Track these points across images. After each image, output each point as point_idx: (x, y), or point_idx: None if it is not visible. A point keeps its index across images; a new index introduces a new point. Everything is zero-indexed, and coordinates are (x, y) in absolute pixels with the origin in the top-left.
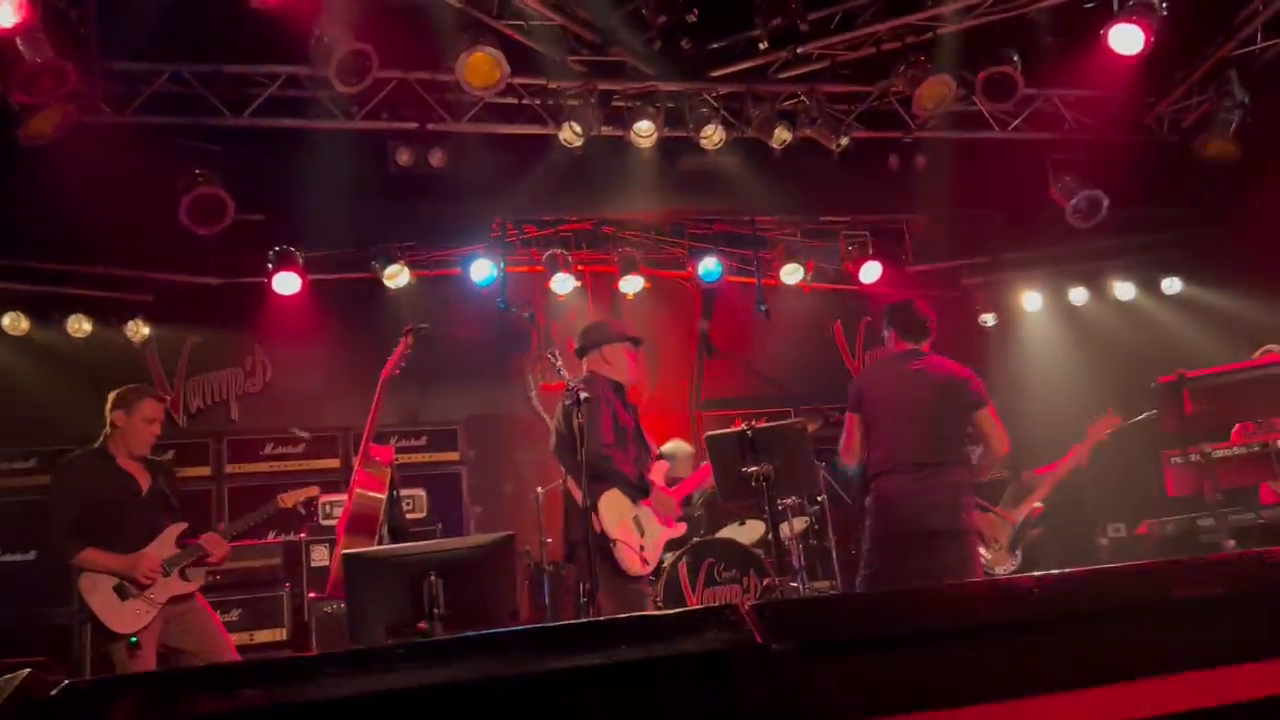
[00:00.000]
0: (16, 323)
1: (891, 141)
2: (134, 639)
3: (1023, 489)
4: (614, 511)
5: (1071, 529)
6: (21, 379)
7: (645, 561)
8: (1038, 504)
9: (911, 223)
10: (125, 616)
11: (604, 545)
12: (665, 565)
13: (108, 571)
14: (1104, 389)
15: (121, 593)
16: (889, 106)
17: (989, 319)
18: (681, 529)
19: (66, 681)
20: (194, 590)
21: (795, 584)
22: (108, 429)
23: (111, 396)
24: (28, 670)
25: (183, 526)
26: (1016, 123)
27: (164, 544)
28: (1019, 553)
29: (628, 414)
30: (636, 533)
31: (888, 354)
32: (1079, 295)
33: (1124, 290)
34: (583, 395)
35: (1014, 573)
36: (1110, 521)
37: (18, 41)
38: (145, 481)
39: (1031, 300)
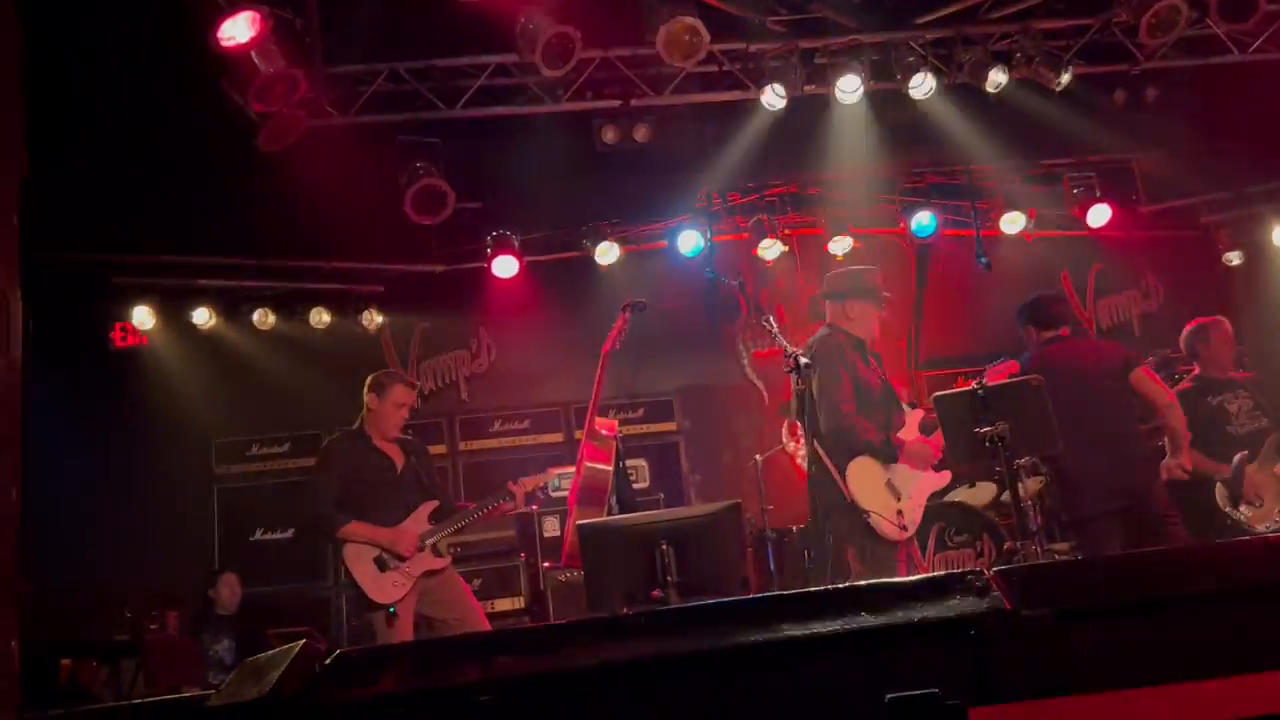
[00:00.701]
0: (265, 318)
1: (1117, 75)
2: (392, 609)
3: None
4: (864, 481)
5: None
6: (271, 370)
7: (903, 527)
8: None
9: (1142, 161)
10: (385, 587)
11: (858, 515)
12: None
13: (371, 543)
14: None
15: (381, 565)
16: (1112, 38)
17: (1234, 258)
18: (945, 478)
19: (339, 651)
20: (446, 564)
21: (1034, 547)
22: (363, 412)
23: (367, 381)
24: (303, 641)
25: (435, 504)
26: (1259, 43)
27: (419, 519)
28: None
29: (869, 371)
30: (892, 498)
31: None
32: None
33: None
34: (803, 361)
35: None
36: None
37: (252, 54)
38: (400, 460)
39: None
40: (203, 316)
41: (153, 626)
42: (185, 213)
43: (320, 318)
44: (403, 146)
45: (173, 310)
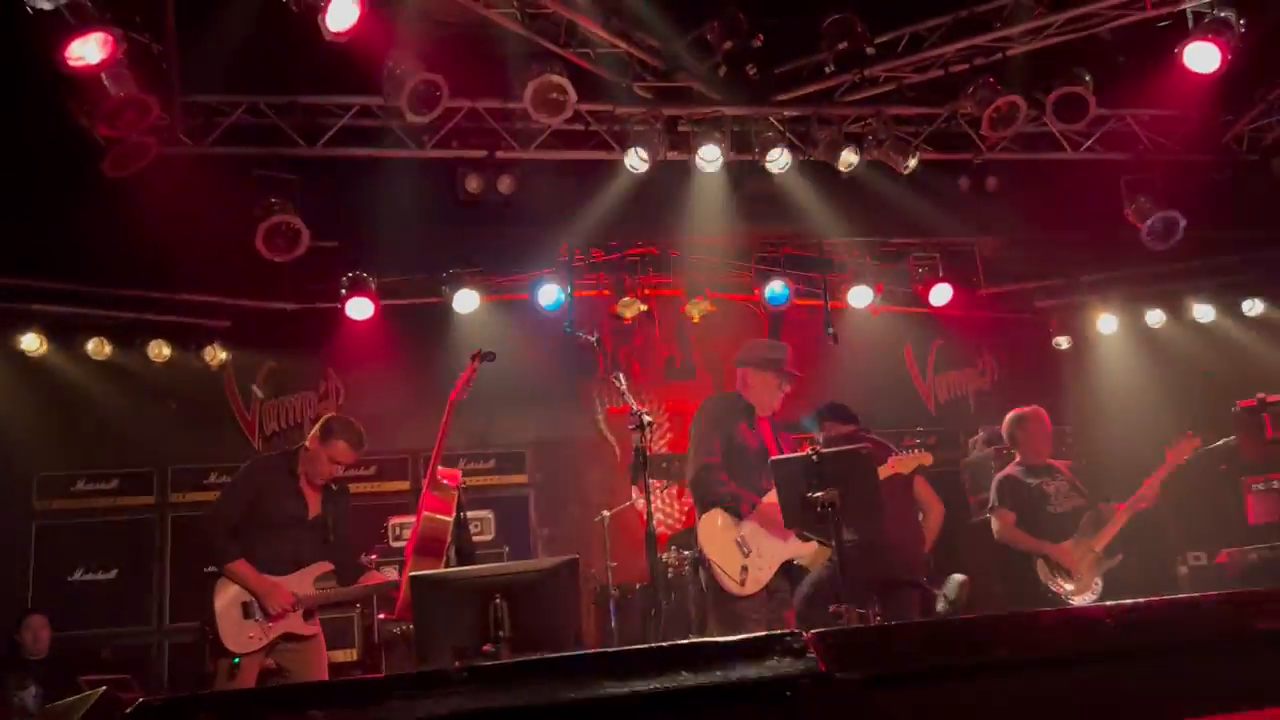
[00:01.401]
0: (100, 348)
1: (961, 163)
2: (237, 659)
3: (1101, 518)
4: (710, 531)
5: (1151, 557)
6: (104, 403)
7: (742, 582)
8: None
9: (983, 245)
10: (241, 637)
11: (705, 564)
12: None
13: (247, 588)
14: (1182, 413)
15: (246, 611)
16: (958, 128)
17: (1063, 342)
18: (806, 547)
19: (140, 700)
20: (314, 633)
21: (862, 611)
22: (302, 443)
23: (324, 419)
24: (103, 689)
25: (327, 567)
26: (1089, 143)
27: (304, 578)
28: (1099, 582)
29: (749, 435)
30: (739, 553)
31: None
32: (1156, 317)
33: (1203, 312)
34: (646, 420)
35: (1094, 603)
36: (1191, 549)
37: (102, 76)
38: (315, 509)
39: (1107, 323)
40: (32, 342)
41: None
42: (19, 234)
43: (160, 351)
44: (258, 181)
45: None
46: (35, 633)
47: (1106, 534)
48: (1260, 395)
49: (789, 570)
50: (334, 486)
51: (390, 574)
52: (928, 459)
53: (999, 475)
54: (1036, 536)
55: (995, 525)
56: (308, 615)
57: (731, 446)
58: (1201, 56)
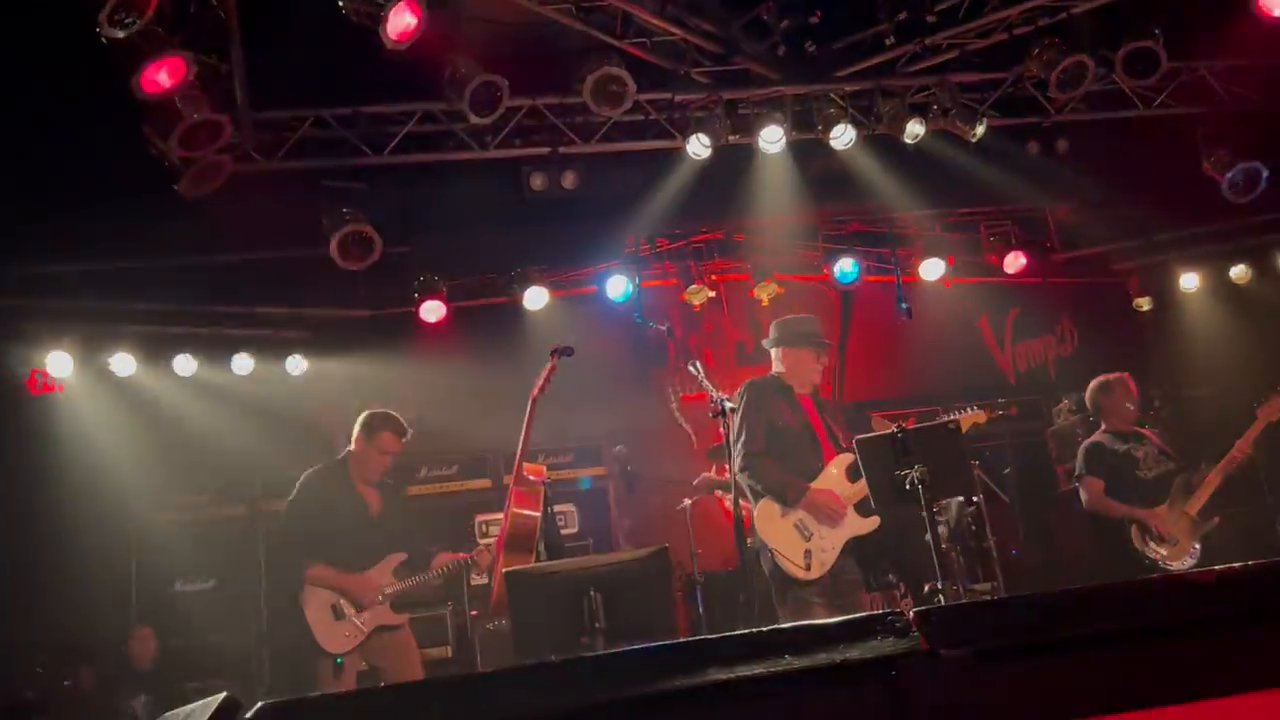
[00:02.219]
0: (186, 364)
1: (1030, 127)
2: (340, 659)
3: (1193, 481)
4: (770, 521)
5: (1250, 518)
6: (193, 417)
7: (808, 567)
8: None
9: (1056, 209)
10: (336, 637)
11: (768, 553)
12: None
13: (332, 588)
14: (1273, 369)
15: (336, 612)
16: (1025, 92)
17: (1145, 303)
18: (870, 523)
19: (260, 704)
20: (402, 622)
21: (956, 587)
22: (350, 447)
23: (361, 417)
24: (224, 694)
25: (402, 556)
26: (1162, 98)
27: (383, 570)
28: (1197, 546)
29: (791, 416)
30: (799, 537)
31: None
32: (1240, 272)
33: None
34: (728, 406)
35: (1193, 568)
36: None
37: (175, 100)
38: (376, 505)
39: (1189, 281)
40: (122, 362)
41: (66, 683)
42: (103, 257)
43: (243, 364)
44: (328, 192)
45: (91, 356)
46: (142, 643)
47: (1200, 497)
48: None
49: (853, 550)
50: (389, 481)
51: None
52: (981, 417)
53: (1086, 443)
54: (1127, 503)
55: (1084, 494)
56: (395, 606)
57: (774, 430)
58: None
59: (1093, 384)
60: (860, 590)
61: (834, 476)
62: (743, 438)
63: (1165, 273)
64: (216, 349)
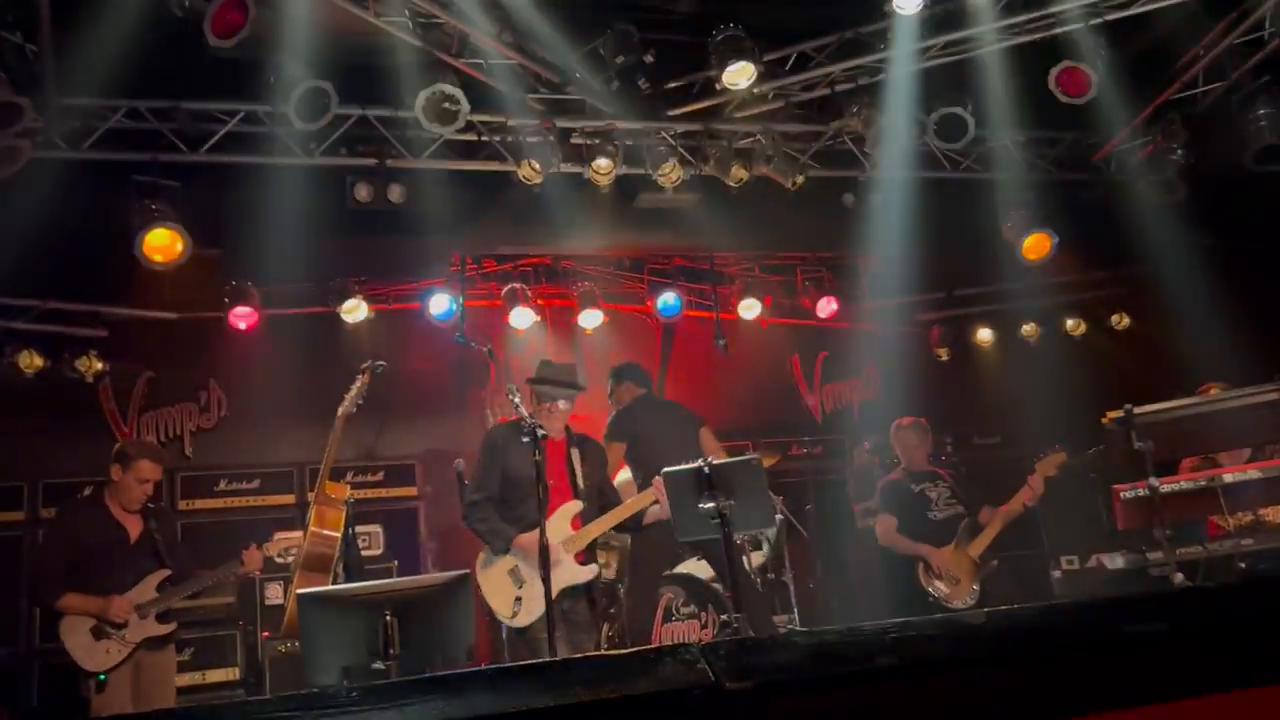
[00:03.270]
0: None
1: (847, 180)
2: (102, 677)
3: (977, 525)
4: (481, 566)
5: (1027, 561)
6: None
7: (514, 615)
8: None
9: (867, 259)
10: (97, 655)
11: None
12: (621, 601)
13: (85, 614)
14: (1057, 423)
15: (97, 633)
16: (844, 145)
17: (944, 353)
18: (587, 571)
19: None
20: (169, 631)
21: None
22: (107, 478)
23: (119, 444)
24: None
25: (165, 573)
26: (968, 163)
27: (144, 589)
28: (977, 587)
29: (528, 462)
30: (512, 584)
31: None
32: (1031, 330)
33: (1075, 325)
34: (540, 433)
35: (970, 608)
36: (1065, 554)
37: None
38: (135, 530)
39: (985, 335)
40: None
41: None
42: None
43: (31, 361)
44: (138, 187)
45: None
46: None
47: (982, 541)
48: (1128, 406)
49: (582, 593)
50: (151, 505)
51: (274, 590)
52: (771, 460)
53: (883, 481)
54: (916, 540)
55: (878, 529)
56: (161, 619)
57: (506, 478)
58: (1071, 81)
59: (894, 425)
60: (593, 630)
61: (556, 524)
62: (474, 482)
63: (964, 326)
64: (3, 344)
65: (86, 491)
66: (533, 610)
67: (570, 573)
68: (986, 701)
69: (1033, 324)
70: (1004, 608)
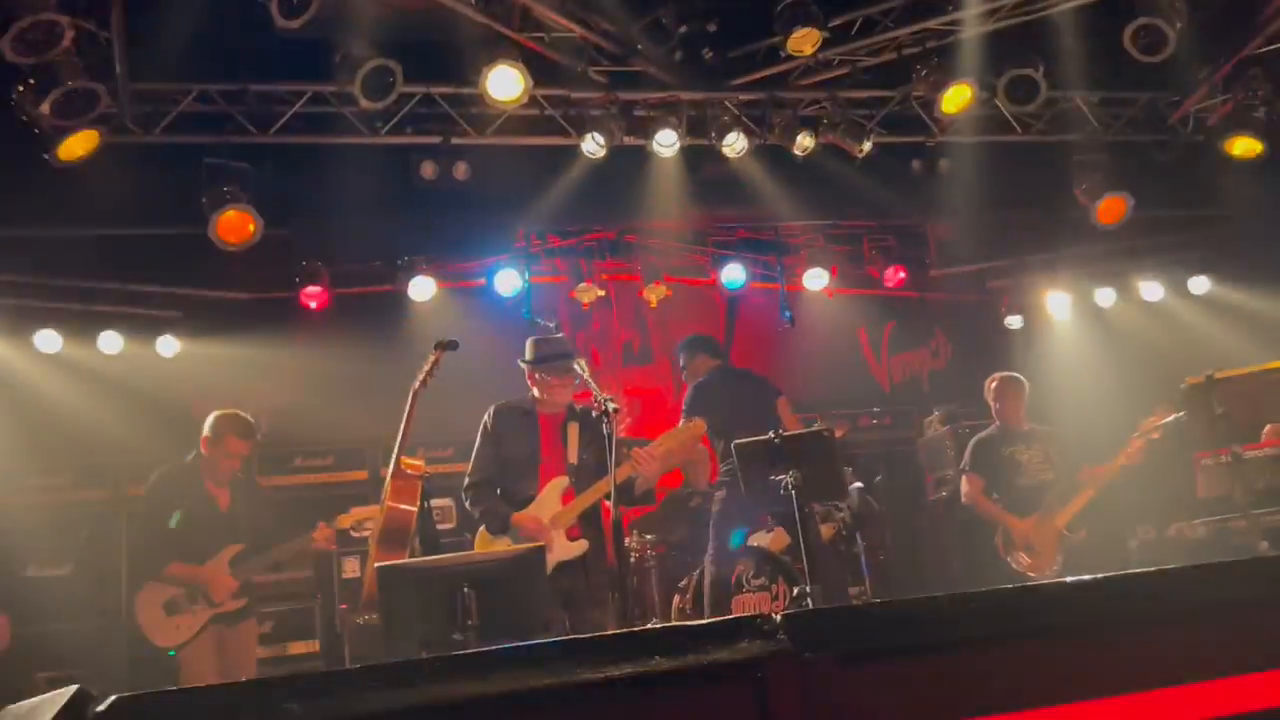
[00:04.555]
0: (50, 340)
1: (915, 146)
2: (172, 652)
3: (1068, 492)
4: (482, 546)
5: (1103, 533)
6: (52, 396)
7: None
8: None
9: (935, 226)
10: (168, 631)
11: None
12: (693, 572)
13: (183, 583)
14: (1133, 390)
15: (170, 608)
16: (911, 111)
17: (1015, 321)
18: (578, 546)
19: (114, 697)
20: (240, 606)
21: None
22: (198, 448)
23: (209, 418)
24: (76, 686)
25: (238, 548)
26: (1039, 125)
27: (220, 562)
28: (1060, 558)
29: (524, 440)
30: None
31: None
32: (1106, 296)
33: (1151, 291)
34: (611, 407)
35: (1055, 577)
36: (1140, 524)
37: (50, 64)
38: (224, 501)
39: (1058, 302)
40: None
41: None
42: None
43: (111, 342)
44: (209, 169)
45: None
46: None
47: (1070, 510)
48: (1208, 372)
49: (578, 568)
50: (240, 477)
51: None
52: (839, 432)
53: (977, 436)
54: (1003, 506)
55: (964, 488)
56: (236, 594)
57: (500, 457)
58: (1147, 40)
59: (989, 381)
60: (598, 606)
61: (546, 500)
62: (471, 465)
63: (1036, 294)
64: (84, 326)
65: (188, 457)
66: None
67: (562, 549)
68: (1066, 670)
69: (1109, 289)
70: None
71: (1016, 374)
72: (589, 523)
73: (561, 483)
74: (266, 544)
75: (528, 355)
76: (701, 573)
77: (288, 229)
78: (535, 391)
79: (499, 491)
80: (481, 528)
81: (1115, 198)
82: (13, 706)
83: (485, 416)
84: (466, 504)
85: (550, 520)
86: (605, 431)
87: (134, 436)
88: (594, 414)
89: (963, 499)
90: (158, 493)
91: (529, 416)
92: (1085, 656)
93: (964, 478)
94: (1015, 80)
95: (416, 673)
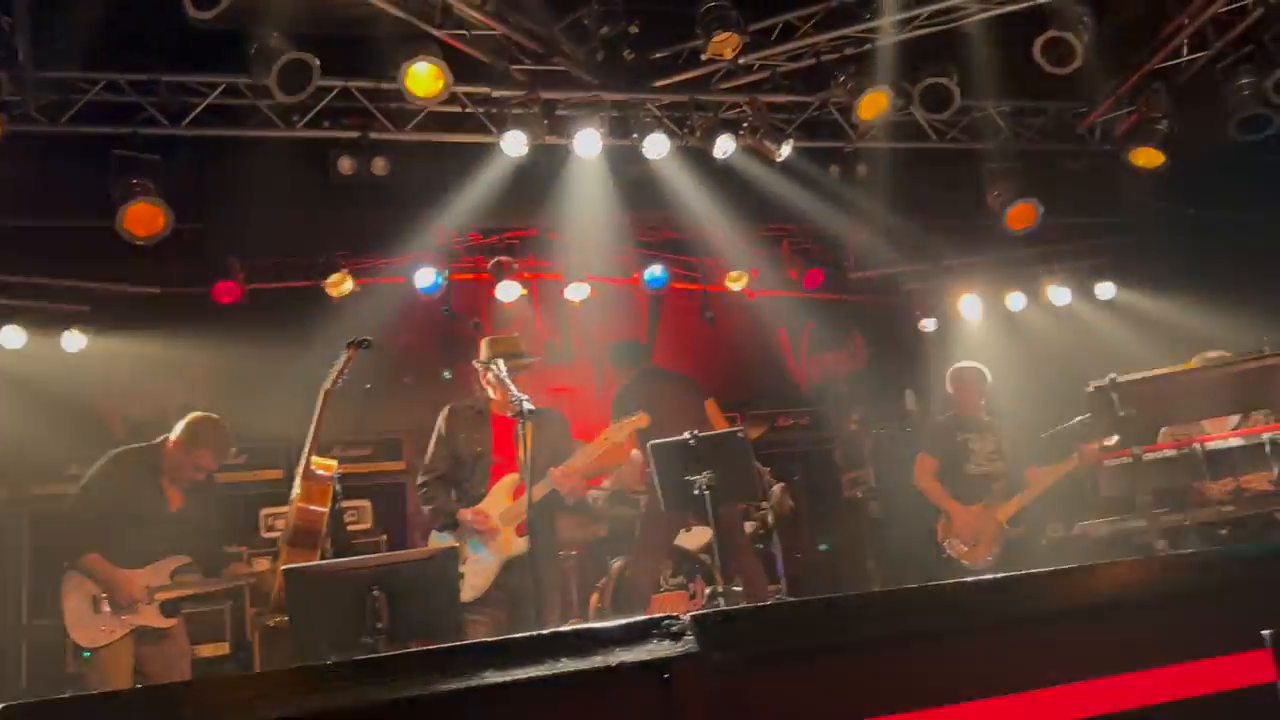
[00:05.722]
0: None
1: (833, 150)
2: (87, 654)
3: (1014, 487)
4: (436, 544)
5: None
6: None
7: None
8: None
9: (853, 230)
10: (89, 629)
11: None
12: (611, 570)
13: (98, 581)
14: (1041, 392)
15: (95, 605)
16: (830, 116)
17: (929, 324)
18: (521, 544)
19: (3, 705)
20: (170, 627)
21: (739, 589)
22: (169, 438)
23: (186, 419)
24: None
25: (183, 560)
26: (953, 133)
27: (159, 571)
28: (997, 550)
29: (475, 440)
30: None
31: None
32: (1017, 301)
33: (1059, 295)
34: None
35: (990, 568)
36: (1050, 522)
37: None
38: (176, 504)
39: (970, 306)
40: None
41: None
42: None
43: (14, 336)
44: (118, 161)
45: None
46: None
47: (1014, 504)
48: (1111, 375)
49: (525, 565)
50: (198, 480)
51: (262, 564)
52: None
53: (932, 421)
54: (950, 491)
55: (916, 468)
56: (166, 610)
57: (455, 455)
58: (1056, 52)
59: (951, 368)
60: (545, 603)
61: (496, 496)
62: (425, 462)
63: (949, 297)
64: None
65: (153, 443)
66: (476, 585)
67: (511, 545)
68: (975, 669)
69: (1019, 293)
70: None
71: (978, 364)
72: (537, 520)
73: (512, 479)
74: (206, 556)
75: (482, 355)
76: (620, 571)
77: (201, 223)
78: (489, 391)
79: (452, 490)
80: (433, 531)
81: (1025, 204)
82: None
83: (440, 415)
84: (421, 500)
85: (499, 517)
86: (519, 433)
87: (38, 434)
88: (551, 413)
89: (914, 480)
90: (106, 475)
91: (481, 415)
92: (987, 654)
93: (916, 458)
94: (930, 88)
95: (320, 678)
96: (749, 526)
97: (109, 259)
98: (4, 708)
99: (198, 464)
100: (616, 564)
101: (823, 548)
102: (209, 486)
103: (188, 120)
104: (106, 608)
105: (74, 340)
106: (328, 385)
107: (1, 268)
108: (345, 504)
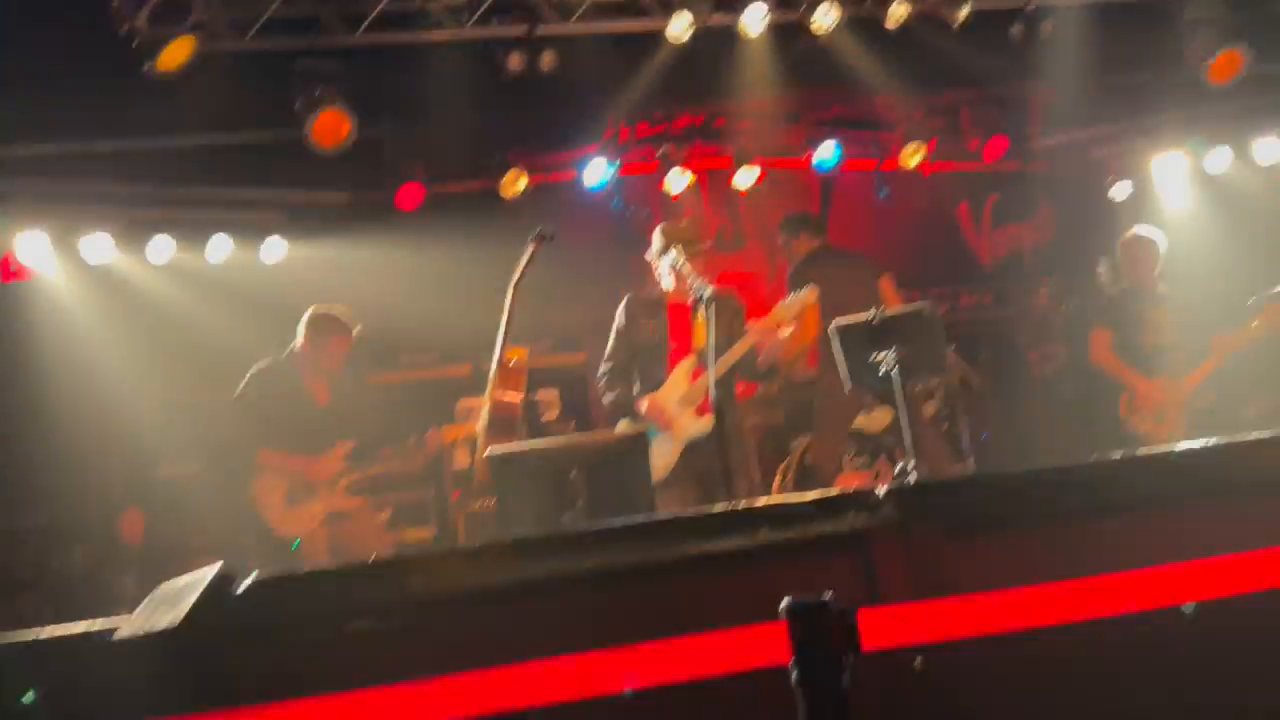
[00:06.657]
0: (161, 248)
1: (1014, 10)
2: (296, 544)
3: (1199, 354)
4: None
5: (1220, 401)
6: (168, 302)
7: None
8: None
9: (1038, 94)
10: (290, 520)
11: None
12: (793, 452)
13: (283, 472)
14: (1250, 259)
15: (291, 498)
16: None
17: (1122, 190)
18: (701, 425)
19: (254, 575)
20: (358, 505)
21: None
22: (298, 343)
23: (306, 315)
24: (220, 564)
25: (349, 444)
26: None
27: (333, 458)
28: (1185, 422)
29: (653, 328)
30: None
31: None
32: (1220, 159)
33: (1268, 152)
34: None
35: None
36: (1254, 396)
37: None
38: (325, 398)
39: (1167, 168)
40: (95, 245)
41: (55, 563)
42: (73, 138)
43: (220, 245)
44: (302, 71)
45: (63, 239)
46: (131, 524)
47: (1199, 374)
48: None
49: (710, 444)
50: (343, 373)
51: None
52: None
53: (1106, 294)
54: (1129, 364)
55: (1091, 344)
56: (349, 491)
57: (633, 346)
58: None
59: (1123, 238)
60: (735, 480)
61: (672, 383)
62: (606, 354)
63: (1143, 160)
64: (193, 233)
65: (284, 354)
66: (658, 467)
67: (690, 428)
68: (1174, 539)
69: (1222, 150)
70: (1189, 444)
71: (1150, 233)
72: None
73: (689, 362)
74: (372, 440)
75: (655, 244)
76: (802, 453)
77: (379, 129)
78: (663, 282)
79: (633, 380)
80: (620, 420)
81: (1230, 51)
82: (166, 583)
83: (619, 307)
84: (601, 391)
85: (679, 400)
86: (705, 317)
87: (249, 341)
88: (726, 299)
89: (1089, 357)
90: (253, 387)
91: (658, 305)
92: (1190, 524)
93: (1091, 334)
94: None
95: (529, 549)
96: (929, 408)
97: (300, 169)
98: (254, 576)
99: (331, 353)
100: (798, 446)
101: (984, 436)
102: (357, 382)
103: (362, 29)
104: (301, 496)
105: (273, 249)
106: (516, 278)
107: (200, 182)
108: (535, 395)
